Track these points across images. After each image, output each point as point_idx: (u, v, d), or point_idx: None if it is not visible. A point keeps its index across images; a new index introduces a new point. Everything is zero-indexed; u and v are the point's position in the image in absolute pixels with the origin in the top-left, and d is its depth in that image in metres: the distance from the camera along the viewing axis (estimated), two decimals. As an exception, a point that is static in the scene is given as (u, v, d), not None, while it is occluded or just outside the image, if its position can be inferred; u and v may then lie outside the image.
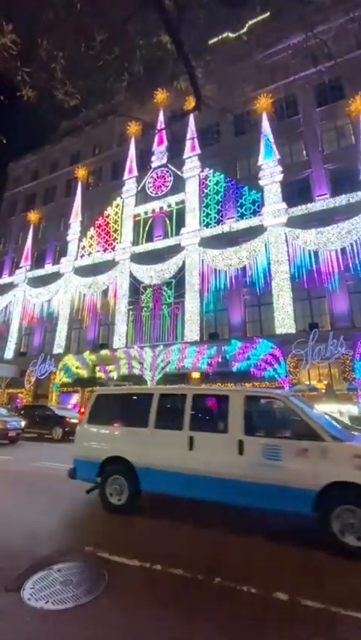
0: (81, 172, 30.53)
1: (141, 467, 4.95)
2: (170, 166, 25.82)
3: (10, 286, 31.29)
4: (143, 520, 4.83)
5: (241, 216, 22.03)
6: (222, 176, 23.34)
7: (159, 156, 26.49)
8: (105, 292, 25.52)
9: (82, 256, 28.18)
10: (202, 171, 24.07)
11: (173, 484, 4.75)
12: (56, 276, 28.69)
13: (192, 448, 4.67)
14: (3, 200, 38.51)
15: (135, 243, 25.80)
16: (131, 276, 24.68)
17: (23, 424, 14.45)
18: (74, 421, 15.09)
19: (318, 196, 20.43)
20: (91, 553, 3.66)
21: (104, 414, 5.79)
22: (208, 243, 22.36)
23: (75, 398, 24.29)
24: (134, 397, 6.14)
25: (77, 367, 23.94)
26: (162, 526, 4.59)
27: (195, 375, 20.18)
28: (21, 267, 31.25)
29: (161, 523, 4.71)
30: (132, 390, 6.67)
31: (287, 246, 19.85)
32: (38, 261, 31.67)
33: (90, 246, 28.04)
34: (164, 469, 4.78)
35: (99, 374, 22.70)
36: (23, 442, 14.29)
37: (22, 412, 17.15)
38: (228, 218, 22.53)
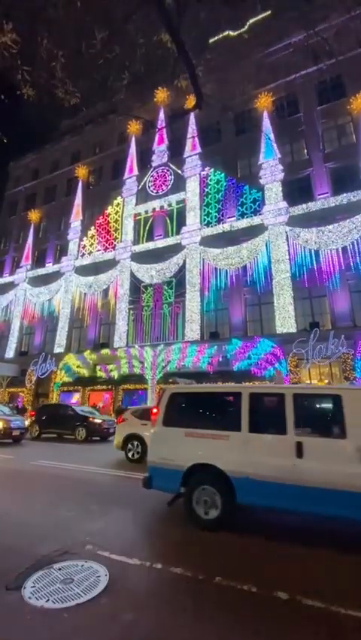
0: (82, 171, 30.52)
1: (238, 477, 4.34)
2: (170, 165, 25.79)
3: (11, 285, 31.30)
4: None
5: (242, 215, 21.99)
6: (222, 175, 23.30)
7: (160, 155, 26.46)
8: (106, 291, 25.52)
9: (82, 255, 28.18)
10: (203, 170, 24.03)
11: (279, 497, 4.15)
12: (56, 276, 28.70)
13: (301, 456, 4.12)
14: (4, 200, 38.53)
15: (136, 242, 25.79)
16: (132, 275, 24.67)
17: (28, 423, 14.42)
18: (98, 421, 14.77)
19: (319, 195, 20.39)
20: (91, 552, 3.66)
21: (182, 415, 5.18)
22: (209, 242, 22.33)
23: (76, 397, 24.31)
24: (217, 397, 5.43)
25: (77, 366, 23.96)
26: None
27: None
28: (22, 267, 31.25)
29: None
30: (213, 389, 6.02)
31: (288, 245, 19.82)
32: (39, 261, 31.68)
33: (91, 245, 28.04)
34: (267, 480, 4.17)
35: (100, 373, 22.72)
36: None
37: (40, 411, 16.73)
38: (228, 217, 22.50)
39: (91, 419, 14.80)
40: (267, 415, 4.75)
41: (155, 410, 5.33)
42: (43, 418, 15.80)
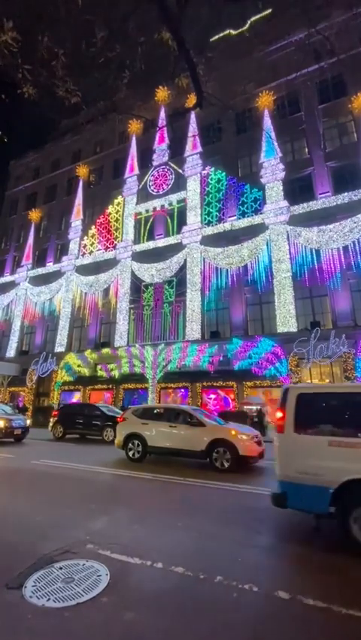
0: (82, 170, 30.51)
1: None
2: (171, 164, 25.75)
3: (12, 285, 31.34)
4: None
5: (243, 214, 21.95)
6: (223, 174, 23.26)
7: (161, 154, 26.43)
8: (106, 291, 25.53)
9: (83, 255, 28.18)
10: (204, 169, 23.99)
11: None
12: (57, 275, 28.72)
13: None
14: (4, 199, 38.54)
15: (137, 241, 25.78)
16: (133, 274, 24.67)
17: (29, 422, 14.34)
18: None
19: (320, 194, 20.34)
20: (92, 551, 3.66)
21: (319, 419, 4.48)
22: (210, 241, 22.31)
23: (77, 397, 24.34)
24: None
25: (78, 366, 23.98)
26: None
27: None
28: (22, 266, 31.29)
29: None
30: (358, 389, 5.13)
31: (289, 244, 19.78)
32: (40, 260, 31.70)
33: (91, 245, 28.04)
34: None
35: (101, 372, 22.75)
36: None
37: (64, 410, 16.15)
38: (229, 217, 22.46)
39: (119, 419, 14.52)
40: None
41: (279, 414, 4.57)
42: (68, 418, 15.28)
